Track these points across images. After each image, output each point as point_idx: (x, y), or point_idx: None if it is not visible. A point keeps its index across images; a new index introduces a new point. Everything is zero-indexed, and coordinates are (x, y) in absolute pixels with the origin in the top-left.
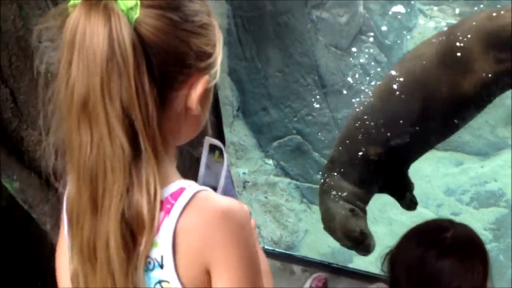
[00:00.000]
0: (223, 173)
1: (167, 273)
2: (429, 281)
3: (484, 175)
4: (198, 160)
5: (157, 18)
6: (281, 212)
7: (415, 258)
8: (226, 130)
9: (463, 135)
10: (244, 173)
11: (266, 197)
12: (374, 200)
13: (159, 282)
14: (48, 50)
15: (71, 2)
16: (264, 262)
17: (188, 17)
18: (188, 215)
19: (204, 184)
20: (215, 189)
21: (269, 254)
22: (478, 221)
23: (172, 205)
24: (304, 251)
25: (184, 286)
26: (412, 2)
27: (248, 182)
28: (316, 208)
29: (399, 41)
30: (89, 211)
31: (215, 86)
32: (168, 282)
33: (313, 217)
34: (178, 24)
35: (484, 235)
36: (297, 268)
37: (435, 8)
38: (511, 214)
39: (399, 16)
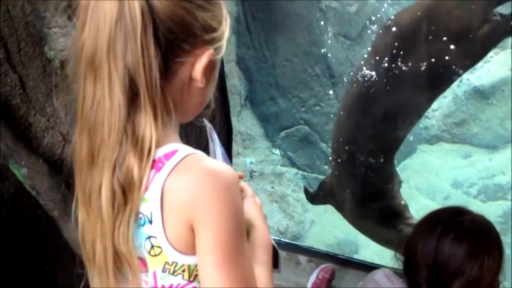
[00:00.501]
0: (218, 149)
1: (155, 229)
2: (445, 263)
3: (492, 168)
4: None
5: None
6: (288, 202)
7: (432, 240)
8: (233, 119)
9: (472, 127)
10: (251, 162)
11: (272, 187)
12: None
13: (149, 237)
14: (57, 36)
15: None
16: (265, 238)
17: None
18: (176, 174)
19: None
20: None
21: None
22: (485, 214)
23: (164, 164)
24: (310, 242)
25: (170, 242)
26: None
27: (255, 171)
28: None
29: None
30: (86, 162)
31: (223, 73)
32: (156, 237)
33: (319, 208)
34: None
35: None
36: (303, 259)
37: None
38: None
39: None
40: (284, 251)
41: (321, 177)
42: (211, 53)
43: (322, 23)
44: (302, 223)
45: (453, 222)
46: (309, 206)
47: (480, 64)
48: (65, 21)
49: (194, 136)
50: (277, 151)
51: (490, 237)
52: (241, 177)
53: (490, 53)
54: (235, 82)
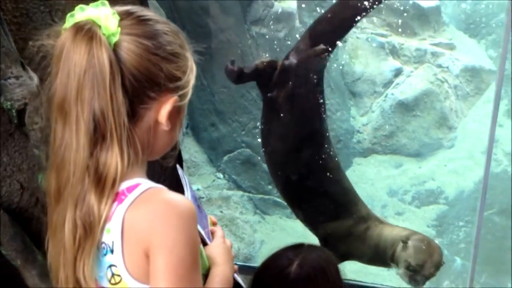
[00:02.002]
0: (188, 193)
1: (116, 258)
2: None
3: (423, 175)
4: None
5: (133, 43)
6: (237, 225)
7: None
8: None
9: (400, 138)
10: (198, 189)
11: (221, 211)
12: None
13: (110, 266)
14: (13, 86)
15: (64, 26)
16: (224, 274)
17: (160, 45)
18: (136, 205)
19: None
20: None
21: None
22: (420, 219)
23: (126, 196)
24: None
25: (128, 271)
26: None
27: (203, 198)
28: (269, 218)
29: (334, 52)
30: (54, 197)
31: None
32: (116, 266)
33: (267, 227)
34: (151, 50)
35: (428, 232)
36: None
37: (365, 19)
38: (450, 211)
39: None
40: (242, 275)
41: (267, 197)
42: (175, 100)
43: (254, 49)
44: (253, 244)
45: (280, 276)
46: (258, 226)
47: (402, 79)
48: (20, 71)
49: (157, 176)
50: (222, 176)
51: (317, 281)
52: (214, 223)
53: (411, 68)
54: None
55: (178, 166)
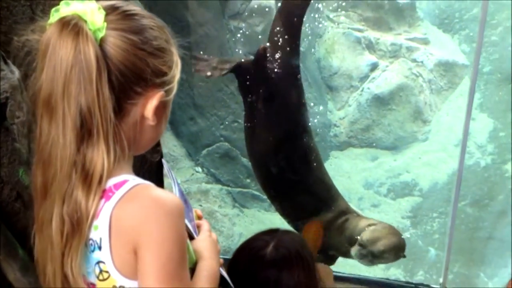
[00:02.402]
0: (176, 188)
1: (104, 254)
2: None
3: (398, 168)
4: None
5: (120, 38)
6: (216, 218)
7: (242, 272)
8: None
9: (376, 132)
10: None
11: (200, 205)
12: None
13: (98, 262)
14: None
15: (49, 21)
16: (211, 268)
17: (147, 40)
18: (124, 202)
19: None
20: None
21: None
22: (396, 211)
23: (113, 193)
24: None
25: (117, 267)
26: (321, 9)
27: None
28: (248, 212)
29: (311, 47)
30: (40, 193)
31: None
32: (104, 263)
33: (246, 220)
34: (138, 45)
35: (403, 223)
36: None
37: (342, 14)
38: (425, 202)
39: (310, 24)
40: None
41: (245, 190)
42: (161, 95)
43: (232, 43)
44: (231, 237)
45: (256, 256)
46: (237, 220)
47: (378, 73)
48: (1, 65)
49: (136, 171)
50: (201, 169)
51: (291, 261)
52: (200, 217)
53: (386, 63)
54: None
55: (163, 160)
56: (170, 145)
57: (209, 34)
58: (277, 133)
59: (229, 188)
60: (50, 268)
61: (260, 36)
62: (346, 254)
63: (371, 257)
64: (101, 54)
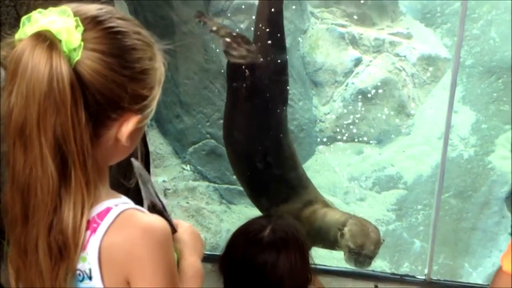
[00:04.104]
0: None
1: (96, 283)
2: (257, 274)
3: (383, 161)
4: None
5: (97, 61)
6: (203, 215)
7: (241, 257)
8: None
9: (361, 126)
10: (164, 181)
11: (187, 202)
12: None
13: None
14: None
15: (17, 36)
16: (194, 266)
17: (128, 64)
18: (112, 233)
19: (146, 199)
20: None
21: None
22: (381, 204)
23: (98, 224)
24: None
25: None
26: (304, 4)
27: (169, 189)
28: (235, 208)
29: (294, 43)
30: (20, 219)
31: None
32: None
33: (233, 216)
34: (117, 70)
35: (388, 216)
36: None
37: (325, 10)
38: (409, 195)
39: (293, 20)
40: (208, 263)
41: (232, 187)
42: (138, 120)
43: (217, 40)
44: (219, 233)
45: (254, 240)
46: (224, 216)
47: (362, 68)
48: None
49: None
50: (188, 167)
51: (288, 243)
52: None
53: (370, 58)
54: None
55: (132, 159)
56: (157, 143)
57: (193, 31)
58: (253, 122)
59: (216, 185)
60: None
61: (244, 33)
62: (315, 244)
63: (367, 258)
64: (76, 80)
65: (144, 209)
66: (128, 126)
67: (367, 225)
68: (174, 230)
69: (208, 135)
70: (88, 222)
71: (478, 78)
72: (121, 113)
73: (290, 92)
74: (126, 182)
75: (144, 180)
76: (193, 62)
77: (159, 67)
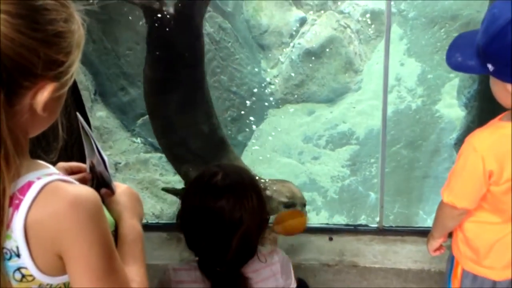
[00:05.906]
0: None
1: (25, 260)
2: (216, 219)
3: (334, 119)
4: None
5: (3, 23)
6: (158, 186)
7: (197, 204)
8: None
9: (310, 86)
10: (109, 154)
11: (141, 175)
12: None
13: (18, 269)
14: None
15: None
16: (134, 229)
17: (39, 26)
18: (36, 209)
19: (88, 158)
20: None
21: (154, 227)
22: (335, 161)
23: (21, 200)
24: None
25: (41, 270)
26: None
27: (120, 163)
28: None
29: (238, 7)
30: None
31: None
32: (26, 268)
33: None
34: (25, 32)
35: (343, 172)
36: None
37: None
38: (362, 150)
39: None
40: (164, 232)
41: None
42: (54, 88)
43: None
44: (175, 203)
45: (208, 185)
46: (179, 186)
47: (307, 28)
48: None
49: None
50: (138, 140)
51: (243, 184)
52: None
53: (314, 17)
54: (81, 78)
55: (78, 115)
56: (103, 117)
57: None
58: (174, 86)
59: None
60: None
61: None
62: None
63: (304, 206)
64: None
65: (71, 179)
66: (43, 95)
67: (281, 181)
68: (112, 191)
69: None
70: (10, 198)
71: (421, 29)
72: (35, 81)
73: (237, 56)
74: (47, 156)
75: (86, 135)
76: (134, 32)
77: (77, 30)
